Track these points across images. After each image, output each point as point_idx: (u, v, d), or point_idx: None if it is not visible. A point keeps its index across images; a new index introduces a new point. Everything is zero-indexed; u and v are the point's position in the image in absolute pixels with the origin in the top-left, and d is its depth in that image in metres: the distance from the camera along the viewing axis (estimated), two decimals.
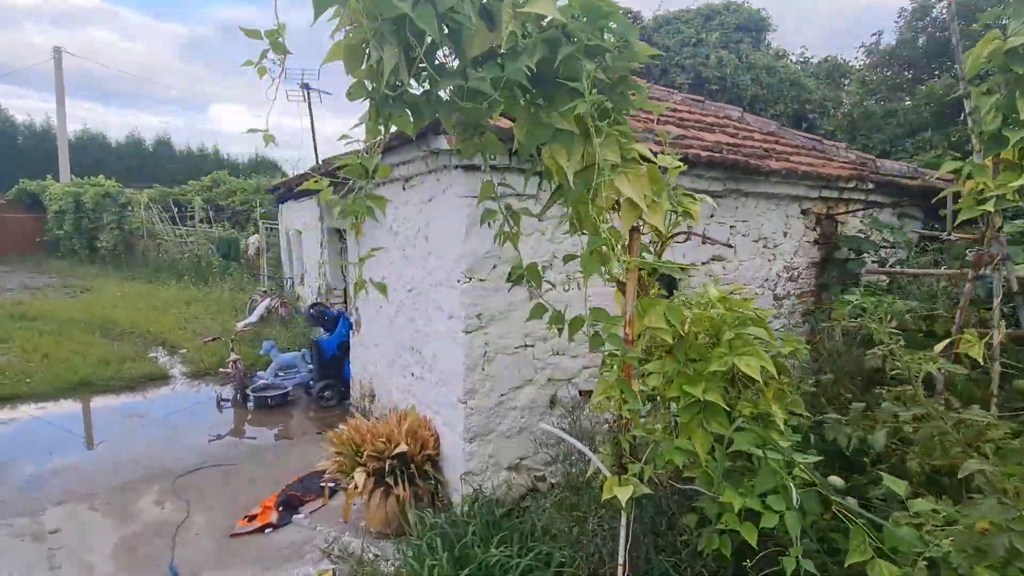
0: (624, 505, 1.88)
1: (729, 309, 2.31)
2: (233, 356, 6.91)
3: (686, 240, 3.70)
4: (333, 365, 6.61)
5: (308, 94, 6.77)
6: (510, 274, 2.16)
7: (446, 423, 3.78)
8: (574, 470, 4.04)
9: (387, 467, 3.44)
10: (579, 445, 2.05)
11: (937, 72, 10.34)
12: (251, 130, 1.77)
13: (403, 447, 3.49)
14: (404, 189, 4.31)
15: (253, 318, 10.05)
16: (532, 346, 3.73)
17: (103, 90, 54.43)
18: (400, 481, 3.44)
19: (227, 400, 6.63)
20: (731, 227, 4.71)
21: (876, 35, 11.03)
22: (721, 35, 10.91)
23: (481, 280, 3.44)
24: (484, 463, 3.64)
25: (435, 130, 3.09)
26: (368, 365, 5.62)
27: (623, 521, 2.04)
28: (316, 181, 1.87)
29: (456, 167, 3.32)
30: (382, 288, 2.14)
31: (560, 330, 2.16)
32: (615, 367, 2.10)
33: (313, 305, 6.77)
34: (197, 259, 15.09)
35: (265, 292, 10.64)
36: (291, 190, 7.14)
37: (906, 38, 10.60)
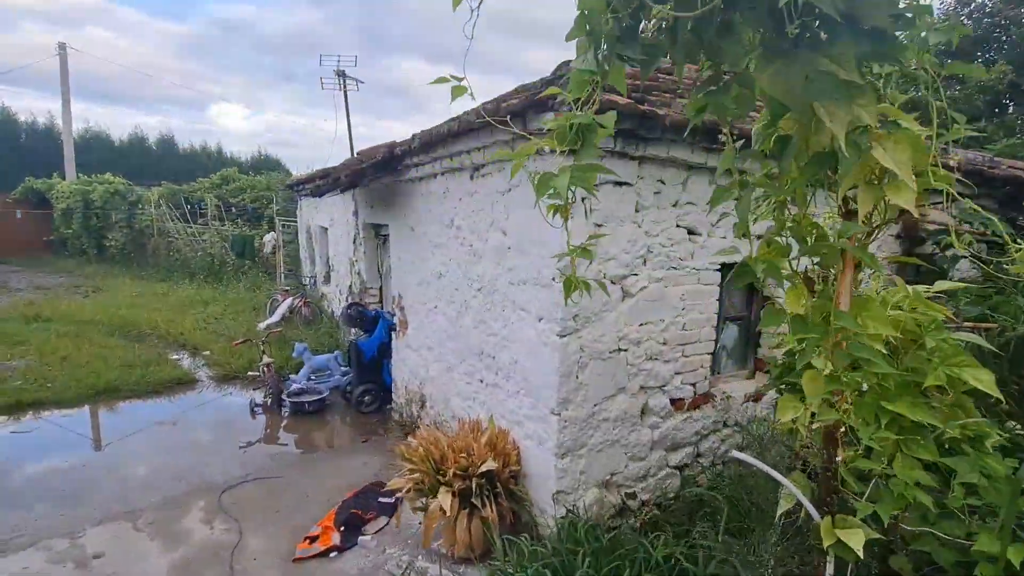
0: (856, 553, 1.52)
1: (913, 309, 1.95)
2: (266, 359, 6.57)
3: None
4: (372, 368, 6.26)
5: (344, 82, 6.38)
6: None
7: (530, 436, 3.43)
8: (667, 485, 3.69)
9: (474, 486, 3.09)
10: (779, 477, 1.69)
11: (981, 60, 9.95)
12: (440, 79, 1.42)
13: (490, 464, 3.14)
14: (472, 179, 3.95)
15: (275, 318, 9.69)
16: (626, 350, 3.37)
17: (99, 90, 54.03)
18: (488, 502, 3.09)
19: (259, 405, 6.29)
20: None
21: None
22: None
23: None
24: (576, 480, 3.28)
25: (540, 107, 2.72)
26: (418, 369, 5.26)
27: (829, 571, 1.68)
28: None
29: (561, 152, 2.94)
30: (601, 286, 1.78)
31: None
32: (823, 380, 1.73)
33: (351, 305, 6.41)
34: (211, 258, 14.74)
35: (287, 291, 10.28)
36: (319, 184, 6.77)
37: None
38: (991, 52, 9.88)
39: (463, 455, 3.26)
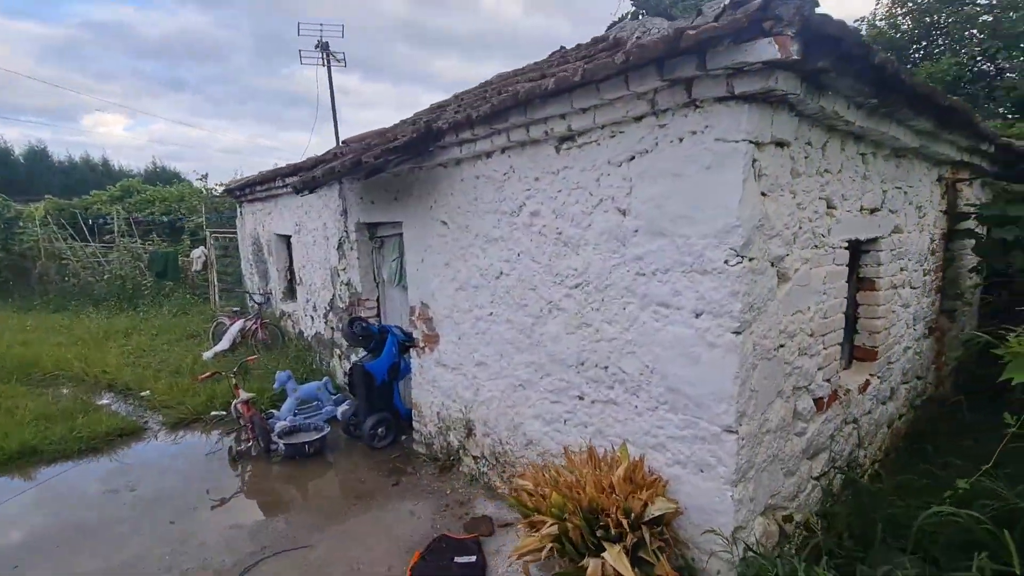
0: None
1: None
2: (243, 395, 5.34)
3: None
4: (384, 394, 5.27)
5: (328, 56, 5.36)
6: None
7: (680, 462, 2.76)
8: (811, 499, 3.18)
9: (647, 537, 2.36)
10: None
11: (920, 55, 10.71)
12: None
13: (663, 506, 2.43)
14: (559, 152, 3.23)
15: (224, 344, 8.27)
16: (783, 346, 2.82)
17: None
18: (659, 557, 2.38)
19: (239, 452, 5.06)
20: (896, 188, 4.08)
21: (858, 22, 11.30)
22: None
23: (750, 260, 2.48)
24: (749, 511, 2.66)
25: (751, 31, 2.07)
26: (459, 391, 4.40)
27: None
28: None
29: (732, 98, 2.32)
30: None
31: None
32: None
33: (353, 320, 5.35)
34: (121, 280, 12.51)
35: (237, 313, 8.79)
36: (305, 179, 5.68)
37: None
38: (933, 46, 10.62)
39: (605, 495, 2.52)
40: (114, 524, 3.95)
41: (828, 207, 3.09)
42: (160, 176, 32.83)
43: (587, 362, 3.23)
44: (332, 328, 6.76)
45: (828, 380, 3.28)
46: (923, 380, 4.86)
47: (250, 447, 5.09)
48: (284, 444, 4.97)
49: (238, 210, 10.28)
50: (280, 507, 4.18)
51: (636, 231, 2.84)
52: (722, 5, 2.10)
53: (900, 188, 4.01)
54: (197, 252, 11.82)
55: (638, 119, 2.75)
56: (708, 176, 2.48)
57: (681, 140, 2.58)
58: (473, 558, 3.31)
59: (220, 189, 12.46)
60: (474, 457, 4.37)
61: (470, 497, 4.14)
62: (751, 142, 2.37)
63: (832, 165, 3.06)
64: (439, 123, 3.80)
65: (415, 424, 5.09)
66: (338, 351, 6.70)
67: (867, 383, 3.80)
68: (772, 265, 2.68)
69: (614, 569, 2.26)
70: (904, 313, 4.25)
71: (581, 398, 3.31)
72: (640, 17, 9.00)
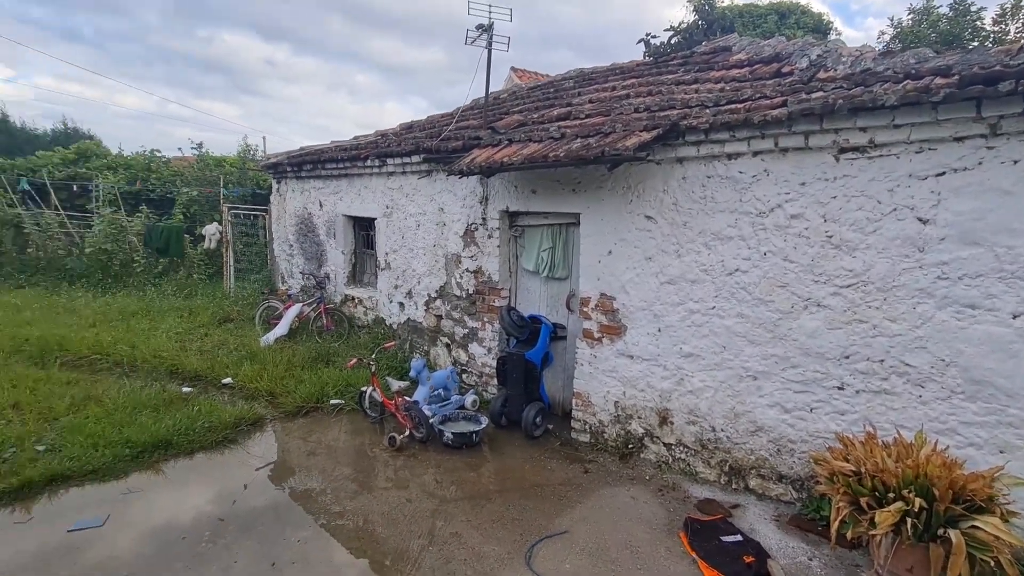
0: None
1: None
2: (397, 384, 5.14)
3: None
4: (537, 383, 5.29)
5: (491, 38, 5.25)
6: None
7: (975, 444, 3.14)
8: None
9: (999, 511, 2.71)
10: None
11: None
12: None
13: (1010, 481, 2.78)
14: (838, 160, 3.49)
15: (283, 330, 7.78)
16: None
17: None
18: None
19: (391, 439, 4.87)
20: None
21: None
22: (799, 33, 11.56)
23: None
24: None
25: None
26: (653, 380, 4.55)
27: None
28: None
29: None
30: None
31: None
32: None
33: (510, 309, 5.30)
34: (106, 255, 11.14)
35: (292, 297, 8.23)
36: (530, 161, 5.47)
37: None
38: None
39: (928, 477, 2.84)
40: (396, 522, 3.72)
41: None
42: (72, 138, 29.16)
43: (854, 356, 3.53)
44: (438, 316, 6.59)
45: None
46: None
47: (405, 436, 4.92)
48: (452, 433, 4.85)
49: (275, 187, 9.57)
50: (491, 496, 4.11)
51: (942, 239, 3.18)
52: None
53: None
54: (211, 228, 10.81)
55: (959, 139, 3.08)
56: None
57: (1016, 162, 2.93)
58: (739, 537, 3.52)
59: (259, 161, 11.38)
60: (666, 444, 4.55)
61: (674, 483, 4.32)
62: None
63: None
64: (689, 120, 3.93)
65: (576, 413, 5.16)
66: (444, 339, 6.55)
67: None
68: None
69: (989, 535, 2.59)
70: None
71: (841, 388, 3.61)
72: (706, 25, 9.43)
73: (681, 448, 4.47)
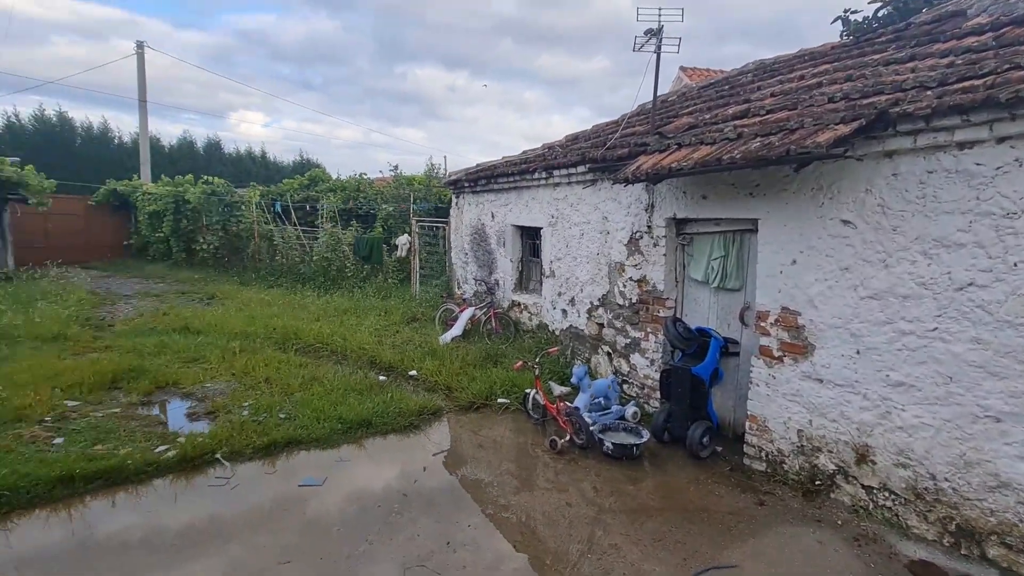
0: None
1: None
2: (559, 389, 5.30)
3: None
4: (703, 400, 4.97)
5: (660, 41, 5.12)
6: None
7: None
8: None
9: None
10: None
11: None
12: None
13: None
14: None
15: (458, 331, 8.50)
16: None
17: (120, 100, 53.68)
18: None
19: (552, 442, 5.00)
20: None
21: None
22: None
23: None
24: None
25: None
26: (847, 410, 3.94)
27: None
28: None
29: None
30: None
31: None
32: None
33: (676, 321, 5.10)
34: (327, 262, 13.58)
35: (466, 301, 9.04)
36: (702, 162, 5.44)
37: None
38: None
39: None
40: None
41: None
42: (305, 167, 35.90)
43: None
44: (600, 324, 6.61)
45: None
46: None
47: (566, 440, 5.02)
48: (613, 444, 4.83)
49: (454, 201, 10.62)
50: (651, 513, 3.98)
51: None
52: None
53: None
54: (403, 239, 12.45)
55: None
56: None
57: None
58: None
59: (442, 179, 12.94)
60: (865, 487, 3.89)
61: (875, 533, 3.67)
62: None
63: None
64: (899, 108, 3.33)
65: (749, 437, 4.71)
66: (605, 348, 6.54)
67: None
68: None
69: None
70: None
71: None
72: None
73: (886, 494, 3.78)
